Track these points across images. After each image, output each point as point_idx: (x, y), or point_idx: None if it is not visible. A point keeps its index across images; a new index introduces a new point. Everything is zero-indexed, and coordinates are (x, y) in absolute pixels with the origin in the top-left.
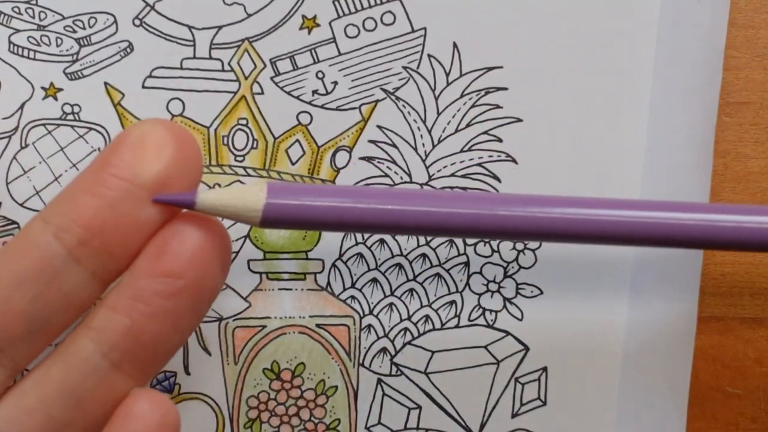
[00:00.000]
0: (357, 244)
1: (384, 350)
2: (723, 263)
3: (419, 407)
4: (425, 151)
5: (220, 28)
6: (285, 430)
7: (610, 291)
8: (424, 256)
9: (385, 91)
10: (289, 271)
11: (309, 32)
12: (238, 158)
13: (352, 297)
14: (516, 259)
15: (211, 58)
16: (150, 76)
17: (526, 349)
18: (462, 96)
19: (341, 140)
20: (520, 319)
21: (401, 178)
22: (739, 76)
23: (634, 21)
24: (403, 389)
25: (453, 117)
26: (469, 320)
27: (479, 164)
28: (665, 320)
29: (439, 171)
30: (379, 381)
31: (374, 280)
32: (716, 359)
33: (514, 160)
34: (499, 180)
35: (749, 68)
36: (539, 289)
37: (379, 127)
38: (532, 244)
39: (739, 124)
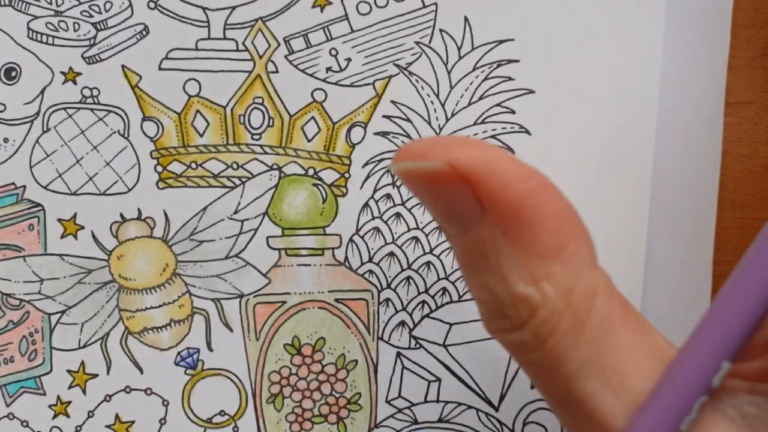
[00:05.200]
0: (374, 218)
1: (402, 323)
2: (723, 263)
3: (439, 380)
4: (439, 125)
5: (233, 8)
6: (307, 404)
7: (626, 262)
8: (440, 228)
9: (398, 66)
10: (308, 246)
11: (321, 10)
12: (255, 136)
13: (370, 271)
14: None
15: (225, 38)
16: (166, 58)
17: None
18: (474, 69)
19: (356, 116)
20: None
21: None
22: (739, 76)
23: None
24: (422, 362)
25: (466, 90)
26: None
27: (492, 136)
28: (681, 288)
29: None
30: (399, 354)
31: (391, 254)
32: None
33: (527, 131)
34: (512, 151)
35: (749, 68)
36: None
37: (393, 102)
38: None
39: (739, 124)
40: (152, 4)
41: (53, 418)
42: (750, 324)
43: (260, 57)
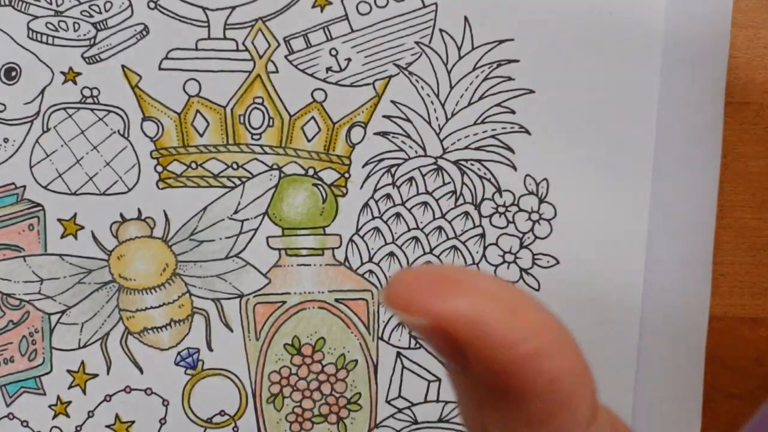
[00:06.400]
0: (374, 218)
1: (402, 324)
2: (723, 263)
3: (439, 380)
4: (439, 125)
5: (233, 8)
6: (307, 404)
7: (626, 260)
8: (440, 228)
9: (398, 66)
10: (308, 246)
11: (321, 10)
12: (255, 136)
13: (370, 271)
14: (531, 229)
15: (225, 38)
16: (166, 58)
17: None
18: (474, 69)
19: (356, 116)
20: (537, 290)
21: (416, 152)
22: (739, 76)
23: None
24: (422, 362)
25: (466, 90)
26: None
27: (492, 136)
28: (681, 288)
29: (453, 144)
30: (399, 354)
31: (391, 254)
32: (716, 359)
33: (527, 131)
34: (512, 151)
35: (749, 68)
36: (555, 259)
37: (393, 102)
38: (547, 214)
39: (739, 124)
40: (152, 4)
41: (53, 418)
42: None
43: (260, 57)
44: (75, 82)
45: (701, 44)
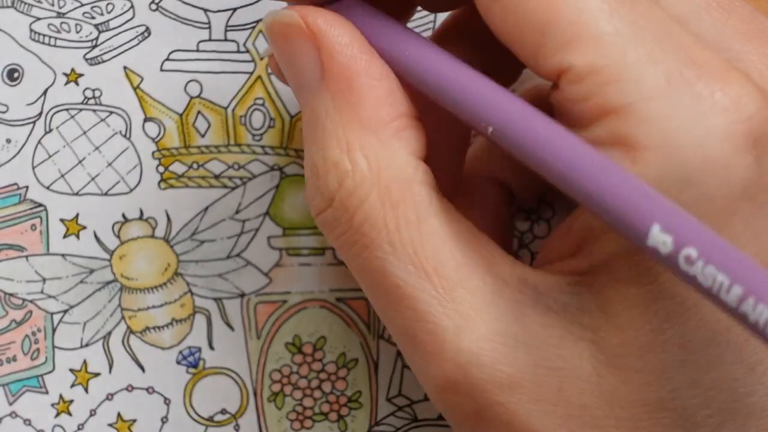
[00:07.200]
0: None
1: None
2: None
3: None
4: None
5: (234, 10)
6: (308, 402)
7: None
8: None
9: None
10: (309, 246)
11: None
12: (256, 137)
13: None
14: (530, 229)
15: (226, 39)
16: (168, 59)
17: None
18: None
19: None
20: None
21: None
22: None
23: None
24: None
25: None
26: None
27: None
28: None
29: None
30: (399, 352)
31: None
32: None
33: None
34: None
35: None
36: None
37: None
38: (546, 214)
39: None
40: (154, 6)
41: (55, 417)
42: None
43: (261, 58)
44: (77, 84)
45: None
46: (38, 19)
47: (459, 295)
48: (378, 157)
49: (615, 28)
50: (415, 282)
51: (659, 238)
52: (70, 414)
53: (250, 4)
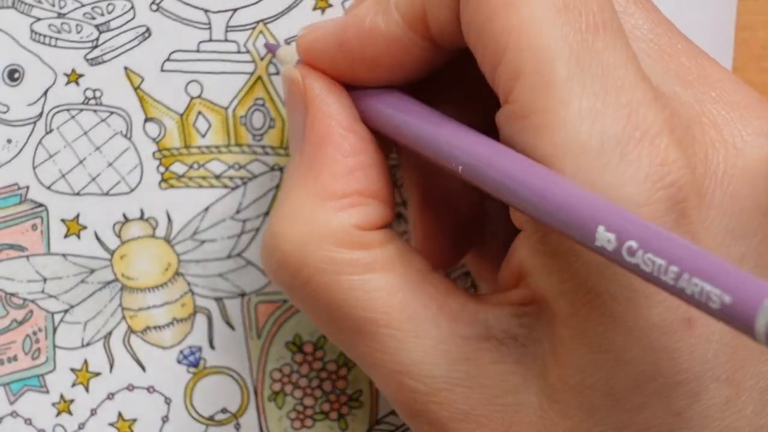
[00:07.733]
0: None
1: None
2: None
3: None
4: None
5: (234, 10)
6: (308, 401)
7: None
8: None
9: None
10: None
11: (322, 12)
12: (257, 137)
13: None
14: None
15: (227, 40)
16: (168, 60)
17: None
18: None
19: None
20: None
21: None
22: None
23: None
24: None
25: None
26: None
27: None
28: None
29: None
30: None
31: None
32: None
33: None
34: None
35: (746, 70)
36: None
37: None
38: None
39: None
40: (154, 6)
41: (56, 416)
42: None
43: (261, 59)
44: (78, 84)
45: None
46: (39, 19)
47: (411, 345)
48: (317, 231)
49: (568, 73)
50: (370, 337)
51: (604, 236)
52: (70, 413)
53: (251, 5)
